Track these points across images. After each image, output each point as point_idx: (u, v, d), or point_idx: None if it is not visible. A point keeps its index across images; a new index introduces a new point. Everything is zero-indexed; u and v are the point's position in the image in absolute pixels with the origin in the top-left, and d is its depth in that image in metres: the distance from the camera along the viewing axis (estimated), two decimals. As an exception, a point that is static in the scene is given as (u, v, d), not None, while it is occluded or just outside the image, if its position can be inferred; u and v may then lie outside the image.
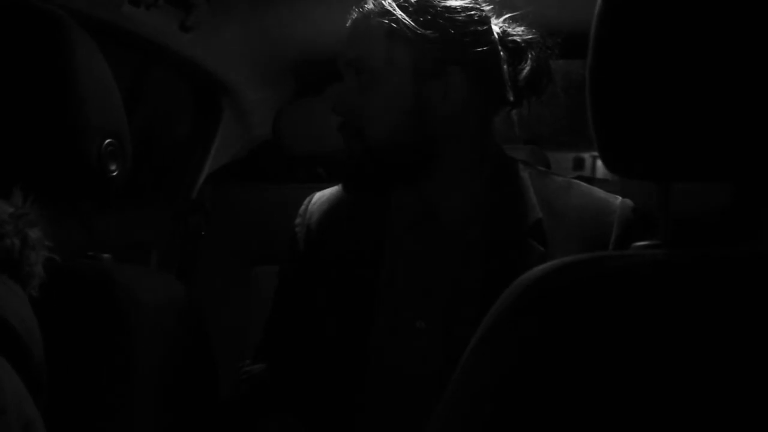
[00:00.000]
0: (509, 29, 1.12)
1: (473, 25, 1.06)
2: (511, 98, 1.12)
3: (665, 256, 0.61)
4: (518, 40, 1.11)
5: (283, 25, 1.70)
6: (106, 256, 0.90)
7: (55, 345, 0.69)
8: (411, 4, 1.05)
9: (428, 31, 1.04)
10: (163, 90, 1.98)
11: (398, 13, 1.05)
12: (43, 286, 0.69)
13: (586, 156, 4.05)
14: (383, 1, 1.06)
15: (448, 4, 1.05)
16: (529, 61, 1.10)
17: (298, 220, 1.22)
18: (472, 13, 1.06)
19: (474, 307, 1.02)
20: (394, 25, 1.05)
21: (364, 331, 1.08)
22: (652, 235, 0.67)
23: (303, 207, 1.23)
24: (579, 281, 0.60)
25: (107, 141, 0.84)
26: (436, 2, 1.05)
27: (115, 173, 0.86)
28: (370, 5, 1.08)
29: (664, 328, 0.57)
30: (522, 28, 1.11)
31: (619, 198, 1.09)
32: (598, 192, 1.11)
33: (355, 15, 1.11)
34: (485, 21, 1.08)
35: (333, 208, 1.19)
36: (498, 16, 1.12)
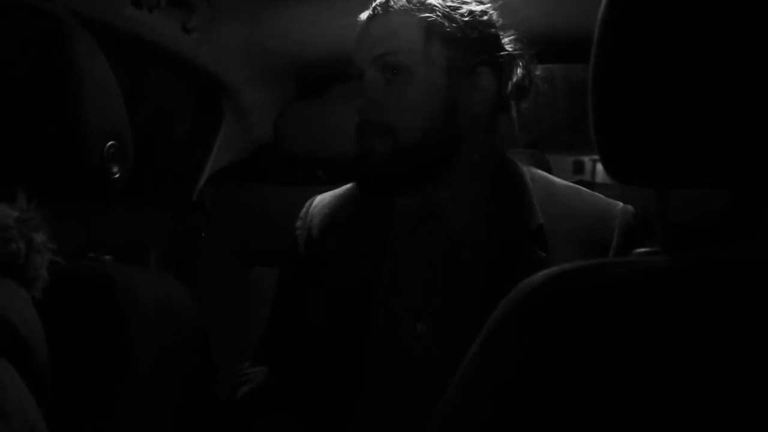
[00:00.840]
0: (504, 38, 1.13)
1: (492, 29, 1.09)
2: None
3: (665, 262, 0.62)
4: (510, 49, 1.12)
5: (284, 26, 1.70)
6: (107, 257, 0.90)
7: (57, 346, 0.69)
8: (446, 3, 1.06)
9: (467, 30, 1.06)
10: (164, 91, 1.98)
11: (441, 9, 1.05)
12: (45, 288, 0.69)
13: (586, 159, 4.04)
14: None
15: (471, 8, 1.07)
16: (520, 68, 1.11)
17: (299, 223, 1.22)
18: (489, 18, 1.09)
19: (474, 311, 1.02)
20: (432, 23, 1.05)
21: (363, 333, 1.08)
22: (652, 241, 0.68)
23: (304, 210, 1.23)
24: (580, 288, 0.60)
25: (109, 143, 0.84)
26: (461, 4, 1.07)
27: (116, 175, 0.86)
28: (402, 1, 1.07)
29: (665, 335, 0.57)
30: (511, 36, 1.12)
31: (620, 204, 1.09)
32: (600, 198, 1.12)
33: (377, 12, 1.09)
34: (496, 26, 1.10)
35: (334, 211, 1.19)
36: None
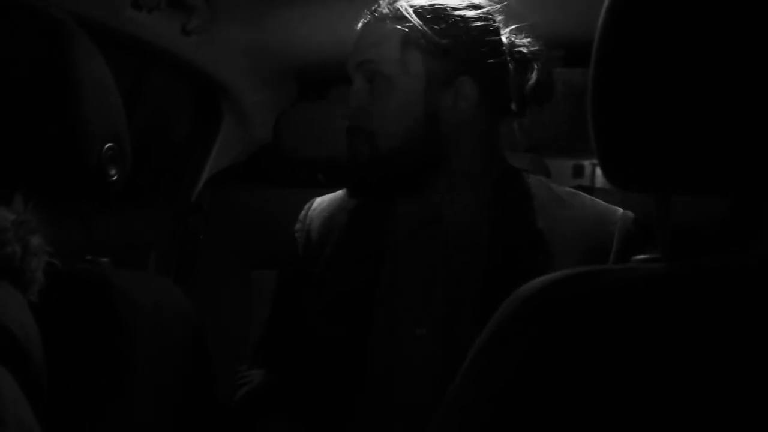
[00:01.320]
0: (516, 40, 1.12)
1: (486, 35, 1.08)
2: (515, 108, 1.12)
3: (664, 270, 0.62)
4: (525, 51, 1.11)
5: (285, 28, 1.70)
6: (104, 260, 0.90)
7: (54, 349, 0.69)
8: (427, 11, 1.06)
9: (443, 40, 1.05)
10: (164, 92, 1.98)
11: (414, 20, 1.05)
12: (42, 291, 0.69)
13: (586, 163, 4.04)
14: (399, 7, 1.06)
15: (463, 13, 1.06)
16: (534, 73, 1.11)
17: (298, 226, 1.22)
18: (486, 23, 1.07)
19: (474, 315, 1.02)
20: (409, 32, 1.05)
21: (362, 336, 1.08)
22: (652, 247, 0.67)
23: (303, 212, 1.23)
24: (579, 294, 0.60)
25: (107, 145, 0.84)
26: (450, 11, 1.06)
27: (114, 178, 0.86)
28: (384, 10, 1.08)
29: (664, 341, 0.57)
30: (528, 40, 1.12)
31: (620, 210, 1.09)
32: (600, 203, 1.11)
33: (367, 18, 1.10)
34: (497, 32, 1.09)
35: (333, 214, 1.19)
36: (504, 27, 1.12)
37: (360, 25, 1.12)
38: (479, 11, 1.08)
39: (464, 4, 1.08)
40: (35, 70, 0.79)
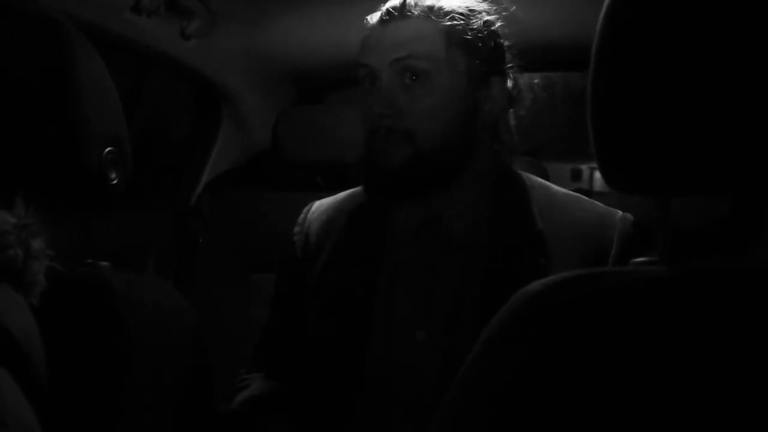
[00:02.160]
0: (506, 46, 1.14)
1: (501, 39, 1.10)
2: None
3: (664, 273, 0.62)
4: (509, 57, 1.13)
5: (284, 33, 1.70)
6: (104, 263, 0.90)
7: (55, 351, 0.69)
8: (463, 11, 1.07)
9: (485, 39, 1.07)
10: (163, 94, 1.98)
11: (462, 18, 1.06)
12: (43, 294, 0.69)
13: (584, 167, 4.06)
14: (444, 5, 1.06)
15: (485, 18, 1.08)
16: (510, 78, 1.12)
17: (296, 229, 1.22)
18: (495, 28, 1.09)
19: (474, 318, 1.02)
20: (452, 30, 1.05)
21: (362, 338, 1.08)
22: (651, 249, 0.68)
23: (302, 216, 1.23)
24: (578, 297, 0.60)
25: (107, 149, 0.84)
26: (478, 14, 1.08)
27: (115, 181, 0.86)
28: (423, 7, 1.06)
29: (663, 344, 0.57)
30: (508, 46, 1.13)
31: (620, 212, 1.09)
32: (599, 206, 1.12)
33: (395, 15, 1.07)
34: (502, 36, 1.11)
35: (332, 217, 1.19)
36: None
37: (378, 23, 1.09)
38: (494, 16, 1.10)
39: (480, 8, 1.09)
40: (35, 73, 0.79)
